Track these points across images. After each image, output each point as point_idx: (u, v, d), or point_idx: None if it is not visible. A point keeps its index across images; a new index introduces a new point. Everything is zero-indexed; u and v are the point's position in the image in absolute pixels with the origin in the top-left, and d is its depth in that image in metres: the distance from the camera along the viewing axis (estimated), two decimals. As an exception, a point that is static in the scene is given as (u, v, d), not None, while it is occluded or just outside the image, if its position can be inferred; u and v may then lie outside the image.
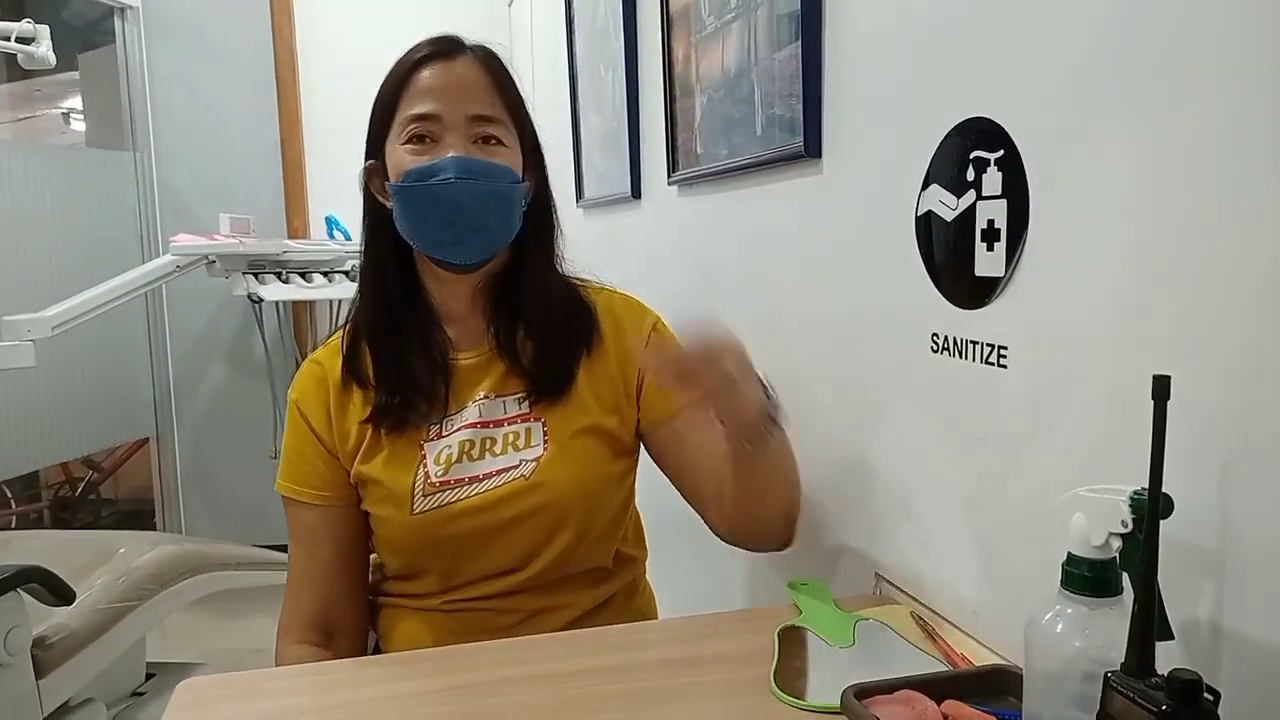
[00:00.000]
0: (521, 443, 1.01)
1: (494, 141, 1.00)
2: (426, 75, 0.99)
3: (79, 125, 4.95)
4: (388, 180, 1.01)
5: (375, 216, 1.05)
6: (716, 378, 0.87)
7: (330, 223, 3.38)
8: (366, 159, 1.04)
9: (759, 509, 1.01)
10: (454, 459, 1.01)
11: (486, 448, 1.02)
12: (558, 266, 1.09)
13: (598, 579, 1.07)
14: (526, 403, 1.03)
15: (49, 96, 5.18)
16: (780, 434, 0.95)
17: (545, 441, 1.02)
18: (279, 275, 3.01)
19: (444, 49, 1.01)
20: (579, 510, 1.01)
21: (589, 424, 1.03)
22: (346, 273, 3.21)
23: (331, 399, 1.05)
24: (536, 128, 1.07)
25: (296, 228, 3.50)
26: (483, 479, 1.00)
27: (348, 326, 1.07)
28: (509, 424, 1.02)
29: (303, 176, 3.52)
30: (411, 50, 1.02)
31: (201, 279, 2.95)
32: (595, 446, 1.03)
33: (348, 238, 3.34)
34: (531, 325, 1.05)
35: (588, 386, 1.05)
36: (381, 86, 1.02)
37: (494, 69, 1.02)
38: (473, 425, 1.02)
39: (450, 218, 0.97)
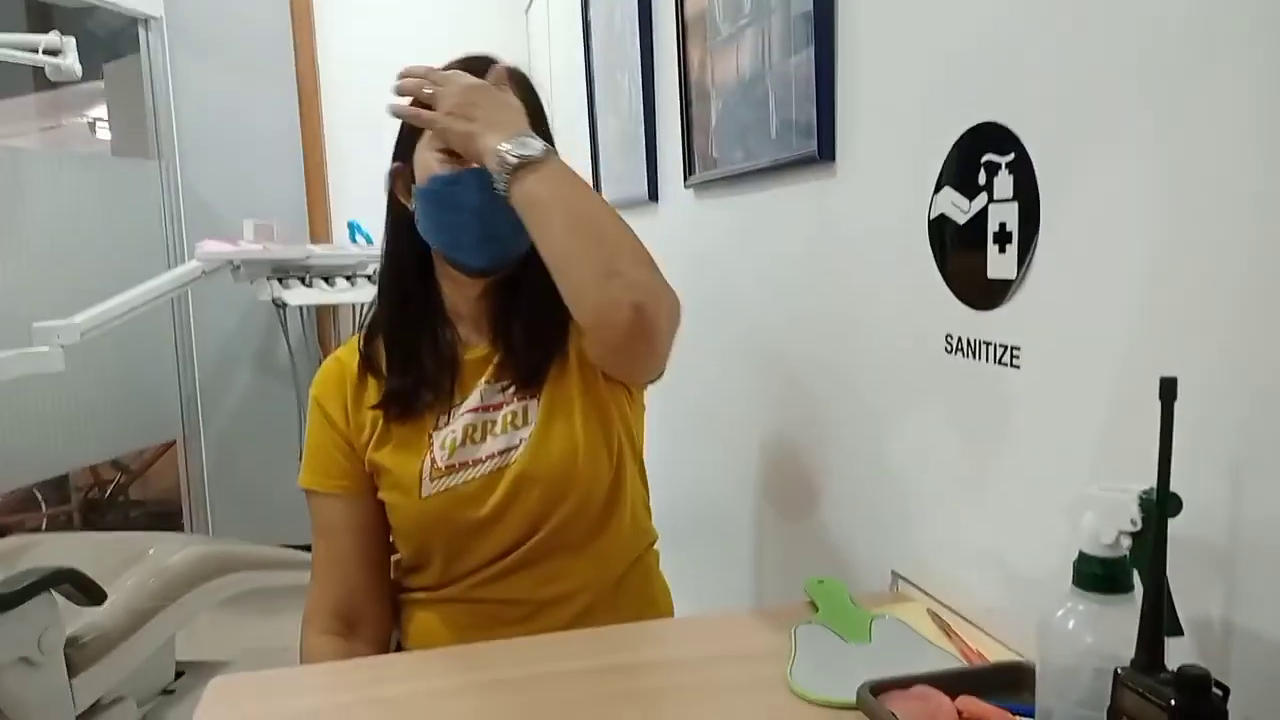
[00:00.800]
0: (520, 421, 1.06)
1: None
2: None
3: (105, 134, 5.02)
4: (414, 183, 1.05)
5: (398, 217, 1.09)
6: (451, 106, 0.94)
7: (352, 227, 3.41)
8: (394, 161, 1.08)
9: (564, 269, 0.93)
10: (458, 443, 1.05)
11: (488, 430, 1.06)
12: None
13: (603, 551, 1.09)
14: (514, 386, 1.07)
15: (75, 106, 5.25)
16: (536, 179, 0.92)
17: (538, 418, 1.06)
18: (302, 280, 3.05)
19: (476, 65, 1.04)
20: (573, 478, 1.04)
21: (580, 394, 1.07)
22: (369, 277, 3.24)
23: (349, 392, 1.10)
24: (556, 141, 1.09)
25: (319, 233, 3.54)
26: (485, 460, 1.04)
27: (369, 319, 1.12)
28: (507, 405, 1.07)
29: (324, 182, 3.55)
30: (447, 64, 1.05)
31: (227, 284, 2.99)
32: (588, 416, 1.07)
33: (370, 242, 3.37)
34: (522, 317, 1.09)
35: (578, 359, 1.09)
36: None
37: (523, 88, 1.06)
38: (474, 410, 1.07)
39: (466, 223, 1.01)
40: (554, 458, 1.04)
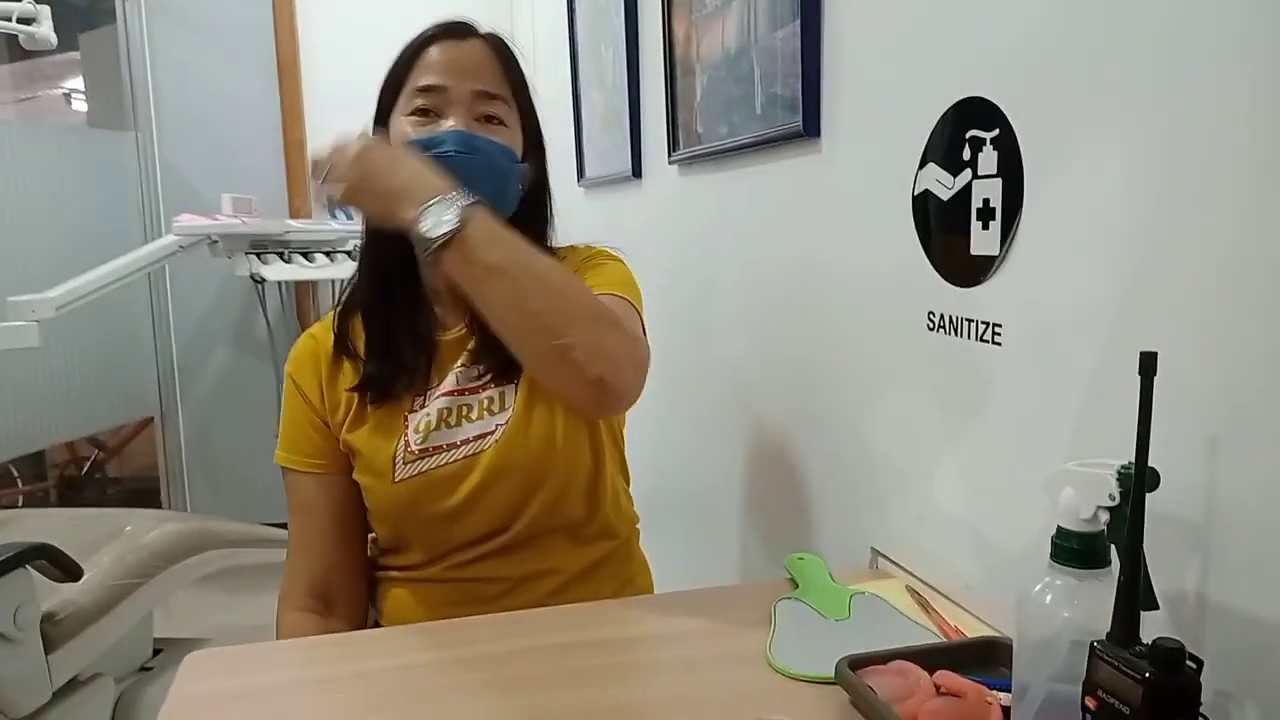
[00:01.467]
0: (496, 407, 1.04)
1: (496, 121, 1.02)
2: (435, 51, 1.02)
3: (80, 105, 4.94)
4: None
5: None
6: (350, 180, 0.90)
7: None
8: (373, 132, 1.05)
9: (514, 342, 0.90)
10: (432, 426, 1.03)
11: (463, 414, 1.04)
12: (547, 243, 1.11)
13: (583, 538, 1.09)
14: (491, 373, 1.05)
15: (50, 77, 5.16)
16: (463, 254, 0.85)
17: (516, 404, 1.04)
18: (281, 255, 3.01)
19: (456, 30, 1.03)
20: (552, 466, 1.03)
21: None
22: (349, 253, 3.21)
23: (324, 370, 1.08)
24: (540, 115, 1.08)
25: (298, 208, 3.50)
26: (460, 445, 1.03)
27: (345, 297, 1.10)
28: (483, 390, 1.05)
29: (304, 156, 3.51)
30: (424, 29, 1.04)
31: (204, 259, 2.96)
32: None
33: (349, 218, 3.33)
34: None
35: None
36: (393, 63, 1.04)
37: (502, 52, 1.05)
38: (450, 393, 1.05)
39: None
40: (532, 446, 1.02)
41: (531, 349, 0.89)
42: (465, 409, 1.04)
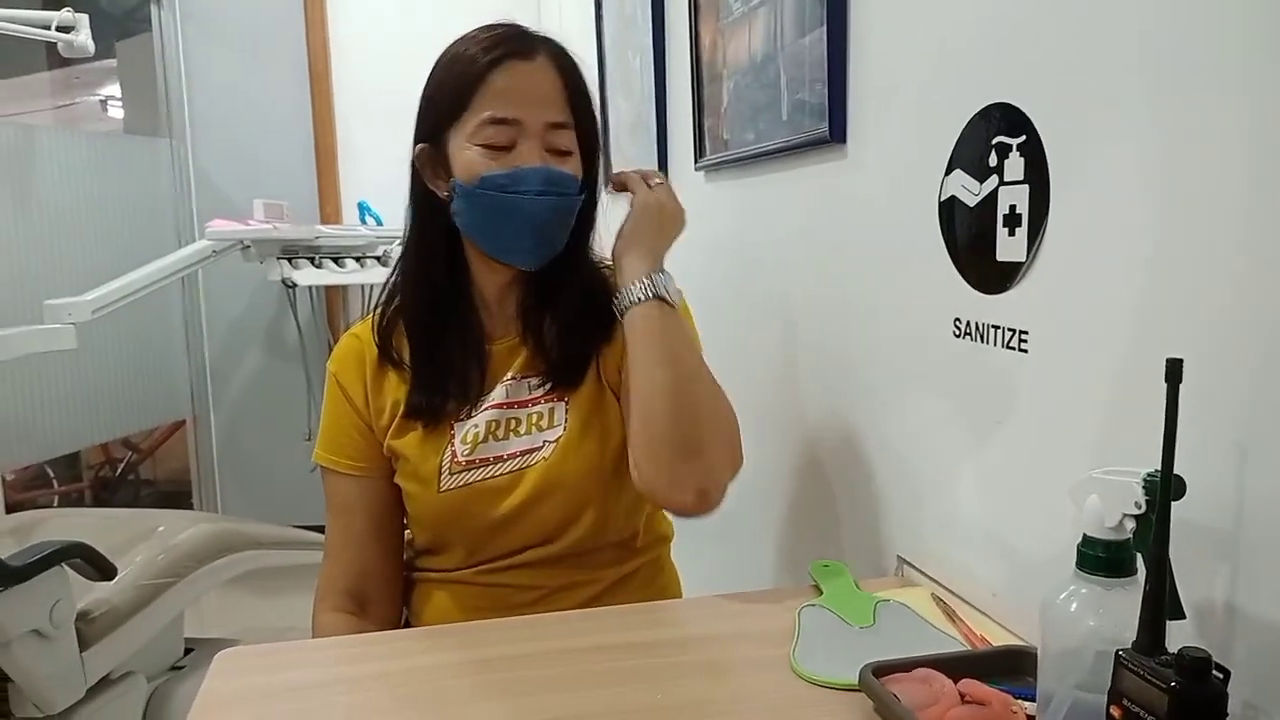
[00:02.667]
0: (545, 423, 1.04)
1: (564, 152, 1.00)
2: (505, 77, 0.97)
3: (116, 113, 5.03)
4: (447, 170, 1.00)
5: (425, 202, 1.04)
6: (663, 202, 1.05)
7: (362, 208, 3.41)
8: (421, 141, 1.03)
9: (648, 420, 0.95)
10: (480, 438, 1.03)
11: (511, 428, 1.04)
12: (590, 255, 1.11)
13: (623, 555, 1.09)
14: (548, 385, 1.05)
15: (87, 84, 5.25)
16: (661, 316, 0.97)
17: (566, 422, 1.04)
18: (312, 260, 3.05)
19: (523, 49, 0.98)
20: (599, 488, 1.03)
21: (609, 402, 1.05)
22: (379, 258, 3.24)
23: (369, 373, 1.07)
24: (599, 125, 1.07)
25: (329, 213, 3.54)
26: (506, 459, 1.03)
27: (381, 306, 1.09)
28: (533, 405, 1.05)
29: (335, 162, 3.55)
30: (485, 43, 0.98)
31: (237, 264, 2.99)
32: (615, 423, 1.05)
33: (380, 223, 3.37)
34: (558, 313, 1.06)
35: (607, 365, 1.07)
36: (449, 72, 1.00)
37: (568, 71, 1.02)
38: (499, 406, 1.04)
39: (525, 228, 0.98)
40: (581, 467, 1.02)
41: (665, 434, 0.94)
42: (514, 422, 1.04)
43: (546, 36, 1.02)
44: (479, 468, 1.02)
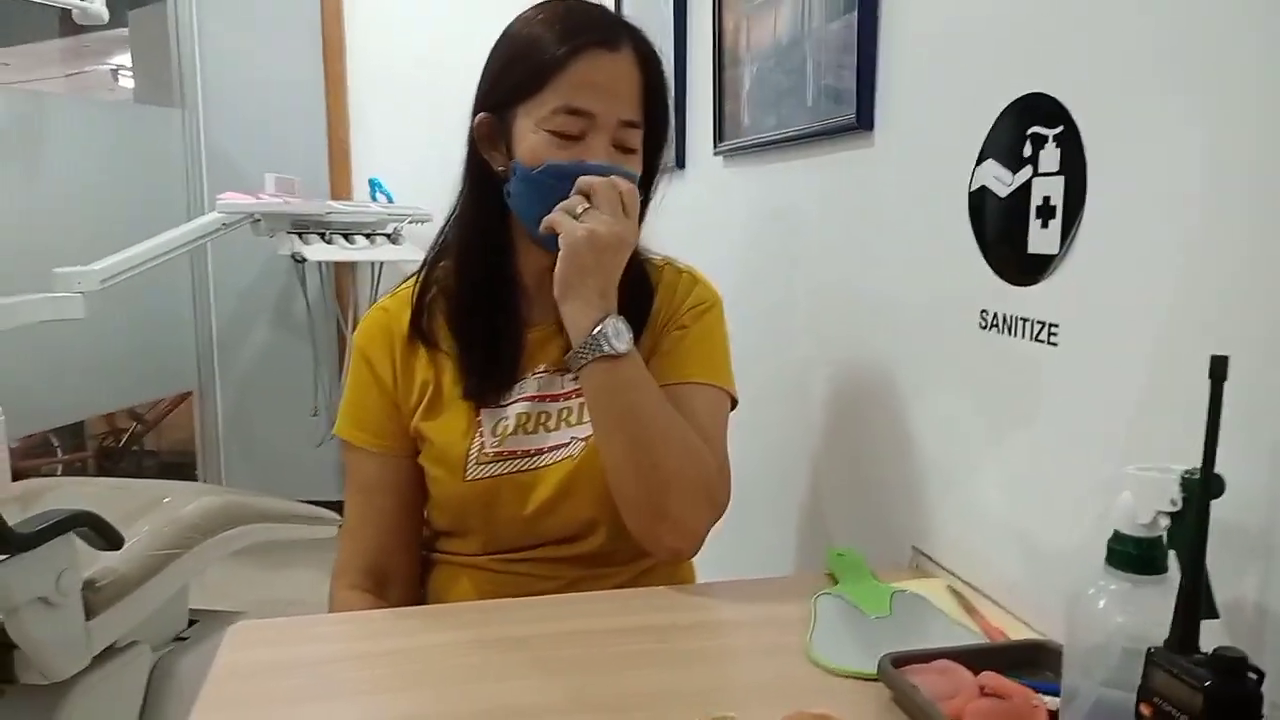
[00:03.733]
0: (574, 419, 1.02)
1: (630, 150, 0.98)
2: (586, 67, 0.94)
3: (127, 82, 5.01)
4: (509, 146, 0.98)
5: (481, 177, 1.01)
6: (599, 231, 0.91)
7: (373, 185, 3.40)
8: (483, 110, 0.99)
9: (615, 483, 0.95)
10: (509, 431, 1.02)
11: (541, 422, 1.02)
12: (636, 248, 1.08)
13: (644, 552, 1.08)
14: (576, 381, 1.03)
15: (98, 53, 5.24)
16: (610, 379, 0.92)
17: None
18: (322, 236, 3.04)
19: (608, 38, 0.95)
20: None
21: None
22: (389, 235, 3.23)
23: (398, 351, 1.05)
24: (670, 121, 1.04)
25: (340, 189, 3.53)
26: (534, 454, 1.01)
27: (421, 280, 1.06)
28: (564, 399, 1.03)
29: (346, 138, 3.54)
30: (570, 24, 0.95)
31: (246, 237, 2.99)
32: None
33: (390, 200, 3.36)
34: None
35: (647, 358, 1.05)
36: (527, 48, 0.96)
37: (649, 66, 0.99)
38: (530, 399, 1.03)
39: None
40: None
41: (629, 495, 0.94)
42: (544, 416, 1.03)
43: (631, 24, 0.99)
44: (507, 460, 1.01)
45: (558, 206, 0.93)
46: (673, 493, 0.93)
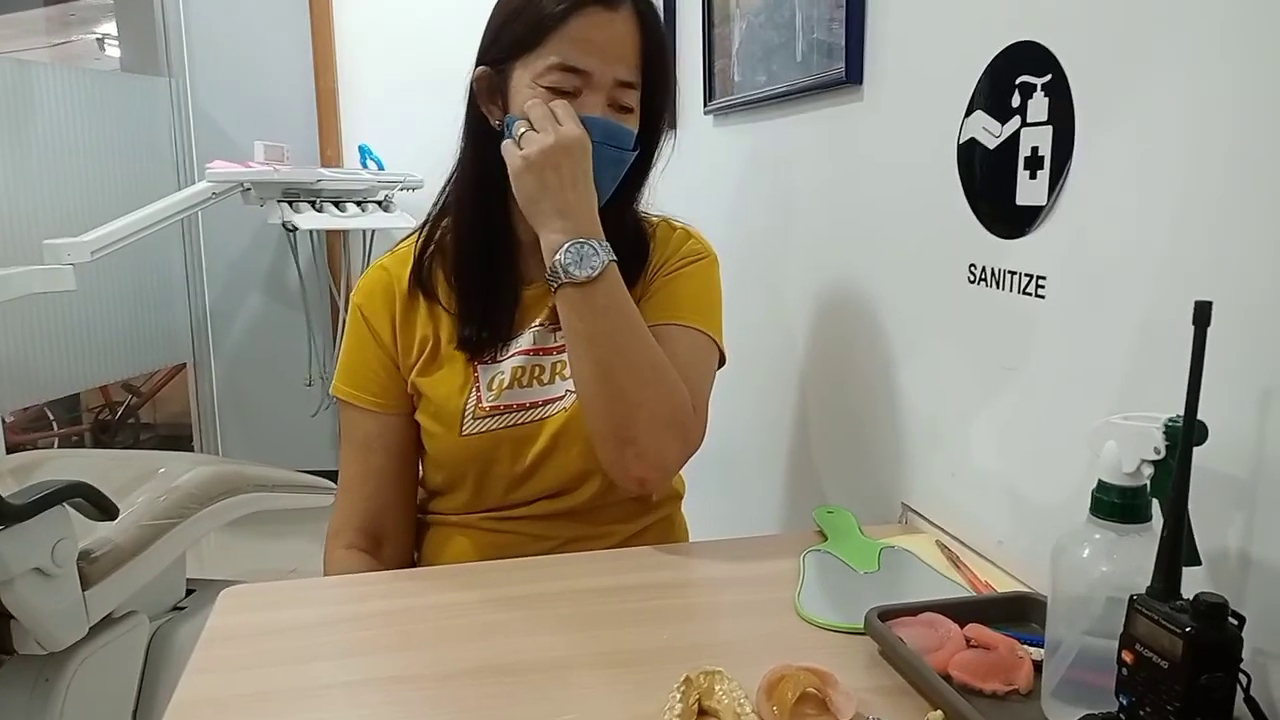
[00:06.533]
0: (569, 371, 1.01)
1: (627, 110, 0.97)
2: (585, 24, 0.93)
3: (114, 51, 4.95)
4: (505, 100, 0.98)
5: (479, 133, 1.01)
6: (534, 159, 0.90)
7: (364, 151, 3.37)
8: (483, 64, 0.99)
9: (584, 407, 0.94)
10: (505, 384, 1.02)
11: (535, 375, 1.03)
12: (635, 210, 1.08)
13: (637, 511, 1.09)
14: None
15: (84, 21, 5.17)
16: (581, 302, 0.91)
17: None
18: (313, 204, 3.02)
19: None
20: None
21: None
22: (379, 202, 3.21)
23: (398, 308, 1.05)
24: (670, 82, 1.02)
25: (330, 156, 3.50)
26: (529, 407, 1.01)
27: (423, 236, 1.06)
28: (559, 352, 1.03)
29: (336, 105, 3.50)
30: None
31: (237, 207, 2.97)
32: None
33: (381, 167, 3.33)
34: None
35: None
36: (528, 2, 0.95)
37: (648, 26, 0.97)
38: (525, 352, 1.03)
39: None
40: None
41: (596, 422, 0.93)
42: (539, 369, 1.03)
43: None
44: (503, 414, 1.01)
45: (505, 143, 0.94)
46: (640, 421, 0.91)
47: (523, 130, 0.92)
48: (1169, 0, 0.66)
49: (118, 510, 1.59)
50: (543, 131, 0.91)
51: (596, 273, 0.90)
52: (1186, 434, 0.54)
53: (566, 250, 0.90)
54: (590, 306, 0.91)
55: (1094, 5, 0.74)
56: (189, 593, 2.00)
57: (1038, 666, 0.68)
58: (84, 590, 1.52)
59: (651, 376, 0.92)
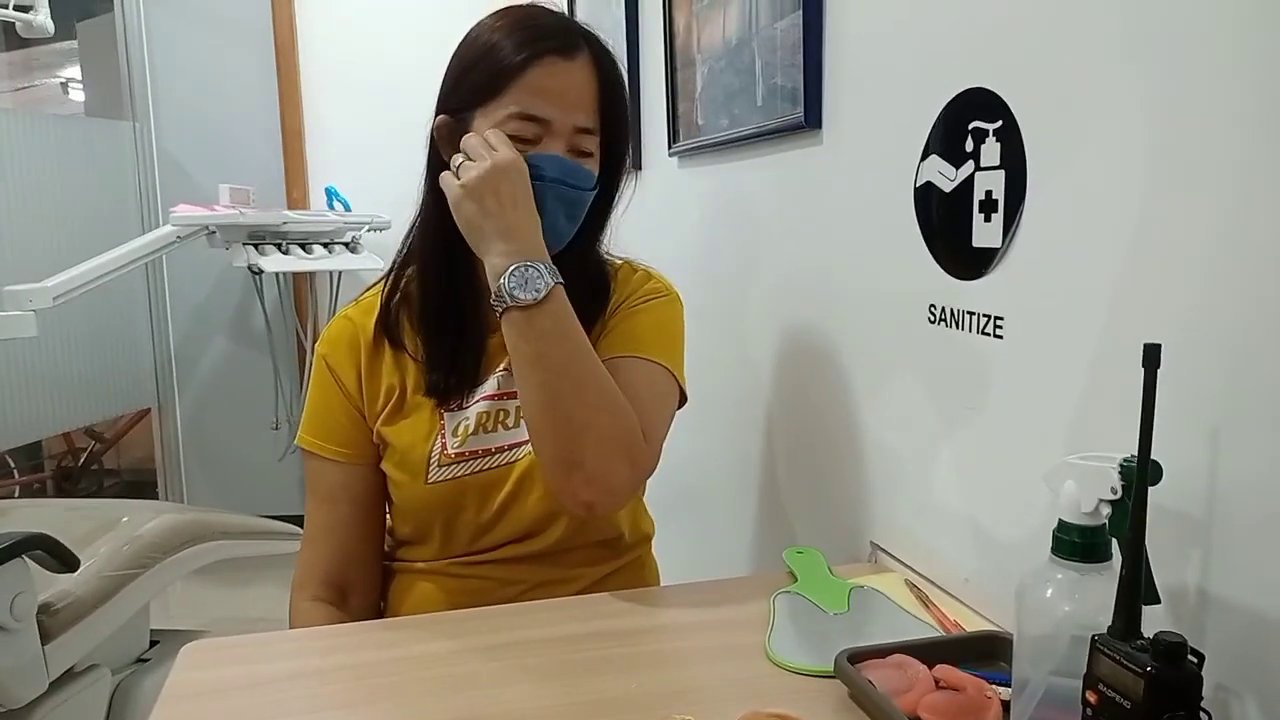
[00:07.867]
0: None
1: (586, 154, 0.98)
2: (543, 74, 0.94)
3: (78, 95, 4.93)
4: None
5: (441, 174, 1.00)
6: (471, 185, 0.91)
7: (330, 194, 3.37)
8: (443, 113, 1.00)
9: (531, 431, 0.93)
10: (470, 430, 1.01)
11: (500, 420, 1.02)
12: (597, 252, 1.09)
13: (606, 554, 1.08)
14: None
15: (47, 65, 5.14)
16: (525, 326, 0.90)
17: None
18: (279, 246, 3.00)
19: (567, 46, 0.96)
20: None
21: None
22: (347, 244, 3.20)
23: (363, 358, 1.04)
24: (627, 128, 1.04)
25: (296, 199, 3.49)
26: (495, 452, 1.01)
27: (388, 284, 1.06)
28: None
29: (302, 147, 3.50)
30: (529, 31, 0.96)
31: (202, 250, 2.94)
32: None
33: (347, 208, 3.33)
34: None
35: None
36: (485, 54, 0.96)
37: (606, 74, 0.99)
38: (490, 397, 1.03)
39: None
40: None
41: (544, 445, 0.92)
42: (503, 414, 1.03)
43: (590, 32, 1.00)
44: (468, 460, 1.01)
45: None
46: (587, 444, 0.90)
47: (459, 161, 0.93)
48: (1114, 47, 0.68)
49: (78, 561, 1.56)
50: (478, 159, 0.91)
51: (542, 295, 0.89)
52: (1140, 474, 0.55)
53: (511, 274, 0.89)
54: (535, 330, 0.90)
55: (1041, 52, 0.76)
56: (153, 644, 1.96)
57: (1006, 706, 0.68)
58: (44, 644, 1.48)
59: (597, 400, 0.91)
